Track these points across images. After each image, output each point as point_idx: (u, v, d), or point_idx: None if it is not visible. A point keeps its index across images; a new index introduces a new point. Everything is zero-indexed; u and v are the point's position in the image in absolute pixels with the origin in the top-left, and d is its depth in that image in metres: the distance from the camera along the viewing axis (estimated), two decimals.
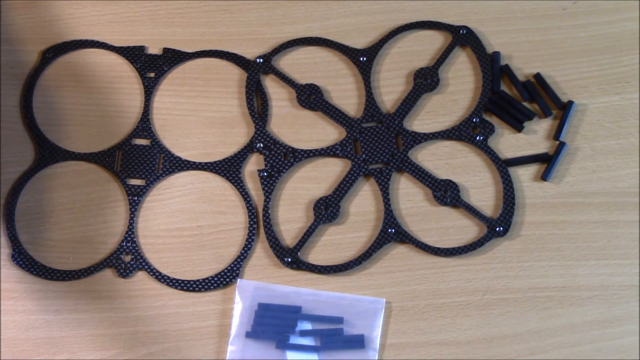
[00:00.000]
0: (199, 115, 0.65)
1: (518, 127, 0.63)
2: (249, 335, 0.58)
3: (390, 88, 0.65)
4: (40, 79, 0.66)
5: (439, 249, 0.60)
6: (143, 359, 0.58)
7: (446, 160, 0.63)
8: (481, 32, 0.66)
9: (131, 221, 0.61)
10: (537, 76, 0.64)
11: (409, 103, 0.64)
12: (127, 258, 0.61)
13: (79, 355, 0.59)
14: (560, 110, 0.64)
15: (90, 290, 0.60)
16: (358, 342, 0.58)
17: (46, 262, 0.61)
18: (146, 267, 0.60)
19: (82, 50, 0.67)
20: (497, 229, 0.60)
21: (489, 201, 0.62)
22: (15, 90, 0.65)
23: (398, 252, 0.61)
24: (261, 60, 0.66)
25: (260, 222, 0.62)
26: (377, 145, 0.63)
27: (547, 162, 0.62)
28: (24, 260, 0.61)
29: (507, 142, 0.63)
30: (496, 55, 0.65)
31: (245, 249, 0.61)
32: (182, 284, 0.60)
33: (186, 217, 0.62)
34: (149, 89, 0.65)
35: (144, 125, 0.64)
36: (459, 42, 0.66)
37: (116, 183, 0.63)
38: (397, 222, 0.61)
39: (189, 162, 0.63)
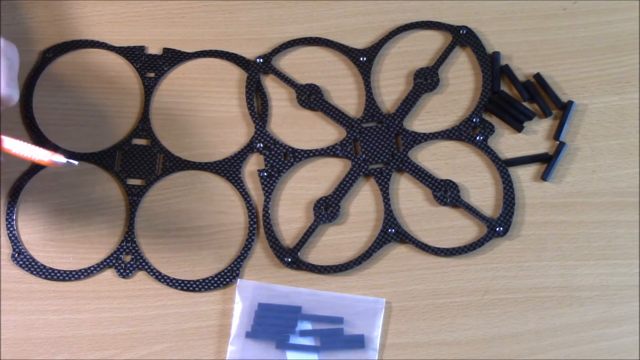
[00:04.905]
0: (199, 115, 0.65)
1: (518, 127, 0.63)
2: (249, 335, 0.58)
3: (390, 88, 0.65)
4: (40, 79, 0.66)
5: (439, 249, 0.60)
6: (143, 359, 0.58)
7: (446, 160, 0.63)
8: (481, 32, 0.66)
9: (131, 221, 0.61)
10: (537, 76, 0.64)
11: (409, 103, 0.64)
12: (127, 258, 0.61)
13: (79, 355, 0.59)
14: (560, 110, 0.64)
15: (90, 290, 0.60)
16: (358, 342, 0.58)
17: (46, 262, 0.61)
18: (146, 267, 0.60)
19: (82, 50, 0.67)
20: (497, 229, 0.60)
21: (489, 201, 0.62)
22: None
23: (398, 252, 0.61)
24: (261, 60, 0.66)
25: (260, 222, 0.61)
26: (377, 145, 0.63)
27: (547, 162, 0.62)
28: (24, 260, 0.61)
29: (507, 142, 0.63)
30: (496, 55, 0.65)
31: (245, 249, 0.61)
32: (182, 284, 0.60)
33: (186, 217, 0.62)
34: (149, 89, 0.65)
35: (144, 125, 0.64)
36: (459, 42, 0.66)
37: (116, 183, 0.63)
38: (397, 222, 0.61)
39: (189, 162, 0.63)
